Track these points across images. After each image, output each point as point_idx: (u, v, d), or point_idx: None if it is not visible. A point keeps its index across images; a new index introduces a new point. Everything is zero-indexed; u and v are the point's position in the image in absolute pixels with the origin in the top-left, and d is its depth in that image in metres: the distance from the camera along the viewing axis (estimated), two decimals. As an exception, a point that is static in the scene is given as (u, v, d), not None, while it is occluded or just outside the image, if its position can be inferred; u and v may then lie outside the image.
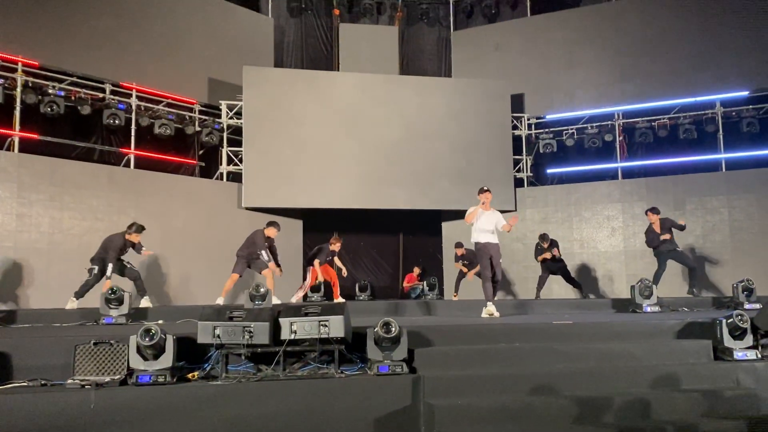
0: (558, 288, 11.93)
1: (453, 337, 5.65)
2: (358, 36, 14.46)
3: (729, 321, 5.42)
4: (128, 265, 8.73)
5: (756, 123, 11.95)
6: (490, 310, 7.50)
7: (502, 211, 7.90)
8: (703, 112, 12.42)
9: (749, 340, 5.40)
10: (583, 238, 12.68)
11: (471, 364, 5.19)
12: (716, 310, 8.35)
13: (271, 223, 9.64)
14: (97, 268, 8.37)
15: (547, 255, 11.05)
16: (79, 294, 8.27)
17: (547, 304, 9.66)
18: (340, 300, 10.29)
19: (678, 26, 12.89)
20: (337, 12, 14.74)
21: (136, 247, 8.75)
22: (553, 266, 11.17)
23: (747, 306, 8.01)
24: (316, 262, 10.17)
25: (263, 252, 9.30)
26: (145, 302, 8.62)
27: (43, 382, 4.51)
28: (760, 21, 12.19)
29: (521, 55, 14.14)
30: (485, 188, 7.73)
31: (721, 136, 12.15)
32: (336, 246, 10.43)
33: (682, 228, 9.90)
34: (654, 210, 10.06)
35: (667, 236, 9.80)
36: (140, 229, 8.69)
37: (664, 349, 5.58)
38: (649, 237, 10.01)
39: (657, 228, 9.91)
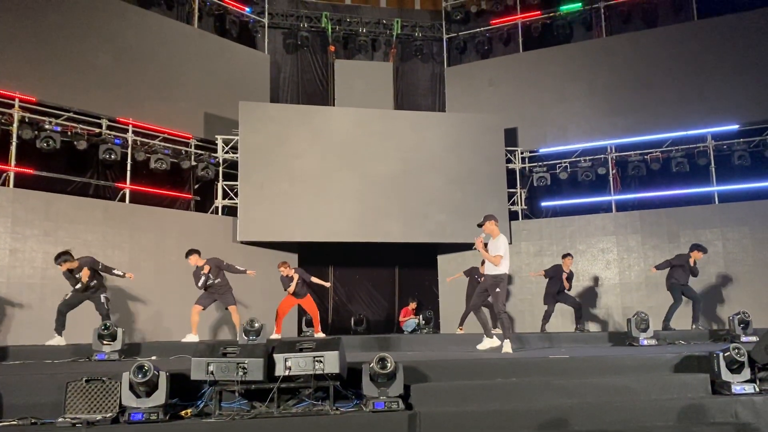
0: (555, 321, 11.85)
1: (449, 373, 5.60)
2: (353, 72, 14.65)
3: (726, 354, 5.39)
4: (103, 301, 8.48)
5: (747, 156, 12.09)
6: (504, 347, 7.24)
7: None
8: (694, 145, 12.56)
9: (747, 373, 5.37)
10: (578, 271, 12.62)
11: (468, 400, 5.14)
12: (713, 343, 8.32)
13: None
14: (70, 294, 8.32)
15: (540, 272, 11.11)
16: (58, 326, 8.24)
17: (543, 338, 9.60)
18: (321, 335, 10.28)
19: (667, 61, 13.11)
20: (332, 48, 14.97)
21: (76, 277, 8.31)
22: (563, 296, 10.98)
23: (743, 339, 7.98)
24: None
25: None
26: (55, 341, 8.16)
27: (33, 421, 4.43)
28: (748, 55, 12.43)
29: (514, 90, 14.33)
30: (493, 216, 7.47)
31: (713, 169, 12.27)
32: (282, 271, 10.21)
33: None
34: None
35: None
36: (60, 256, 8.28)
37: (661, 383, 5.54)
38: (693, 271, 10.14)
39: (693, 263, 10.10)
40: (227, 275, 9.49)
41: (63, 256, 8.26)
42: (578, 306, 10.99)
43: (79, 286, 8.27)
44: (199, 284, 9.17)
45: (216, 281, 9.28)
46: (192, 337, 9.11)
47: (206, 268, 9.20)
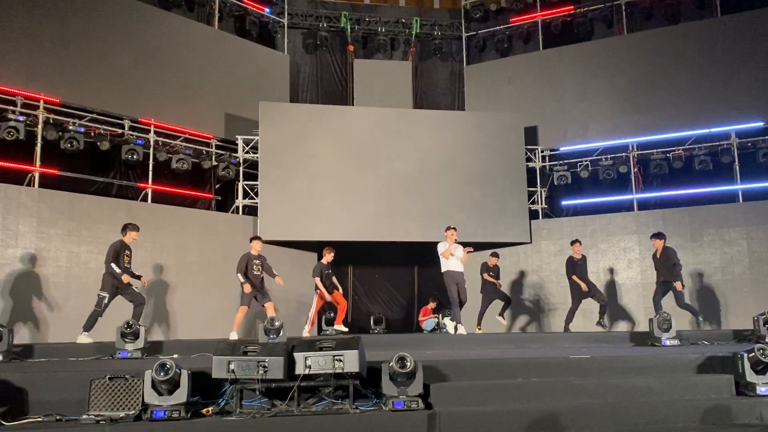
0: (576, 321, 11.75)
1: (469, 372, 5.58)
2: (372, 71, 14.66)
3: (751, 355, 5.30)
4: (136, 289, 8.54)
5: (772, 154, 11.89)
6: (462, 330, 9.41)
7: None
8: (718, 143, 12.37)
9: (772, 374, 5.28)
10: (600, 271, 12.54)
11: (487, 400, 5.12)
12: (737, 344, 8.19)
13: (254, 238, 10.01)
14: (108, 296, 8.29)
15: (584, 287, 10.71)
16: (88, 326, 8.26)
17: (564, 337, 9.54)
18: (341, 327, 10.56)
19: (690, 58, 12.93)
20: (351, 48, 14.99)
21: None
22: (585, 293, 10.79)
23: (769, 339, 7.85)
24: (317, 279, 10.38)
25: (239, 275, 9.49)
26: (83, 338, 8.19)
27: (58, 418, 4.50)
28: (774, 52, 12.22)
29: (534, 88, 14.23)
30: (453, 226, 9.59)
31: (738, 167, 12.08)
32: (329, 256, 10.56)
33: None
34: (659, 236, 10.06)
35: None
36: (134, 227, 8.71)
37: (684, 383, 5.47)
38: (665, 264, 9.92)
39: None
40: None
41: (135, 226, 8.75)
42: (604, 302, 10.89)
43: (125, 263, 8.45)
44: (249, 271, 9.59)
45: (261, 275, 9.68)
46: (235, 335, 9.33)
47: (258, 268, 9.64)
